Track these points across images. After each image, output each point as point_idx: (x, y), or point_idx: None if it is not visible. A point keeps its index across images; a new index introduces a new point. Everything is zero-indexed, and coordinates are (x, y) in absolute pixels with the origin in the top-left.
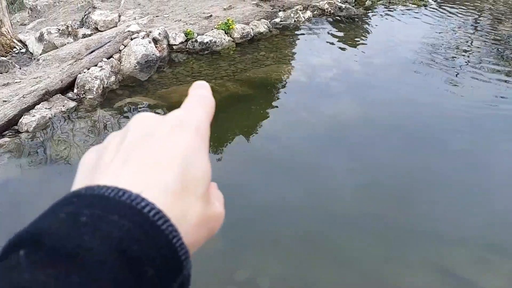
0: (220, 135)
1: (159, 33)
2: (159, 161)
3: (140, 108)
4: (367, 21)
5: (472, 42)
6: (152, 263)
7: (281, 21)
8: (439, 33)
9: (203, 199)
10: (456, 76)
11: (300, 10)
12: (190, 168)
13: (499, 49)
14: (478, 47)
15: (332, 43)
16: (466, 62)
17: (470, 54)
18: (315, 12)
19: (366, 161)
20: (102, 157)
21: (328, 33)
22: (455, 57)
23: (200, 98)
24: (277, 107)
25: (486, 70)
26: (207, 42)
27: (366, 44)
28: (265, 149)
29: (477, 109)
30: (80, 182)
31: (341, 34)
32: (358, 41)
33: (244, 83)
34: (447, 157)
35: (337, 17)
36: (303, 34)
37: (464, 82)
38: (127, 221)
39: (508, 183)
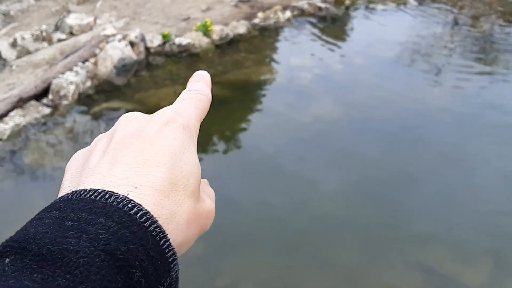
0: (200, 138)
1: (136, 36)
2: (146, 160)
3: (117, 113)
4: (347, 20)
5: (452, 39)
6: (139, 265)
7: (260, 22)
8: (420, 31)
9: (193, 197)
10: (438, 74)
11: (279, 11)
12: (178, 166)
13: (480, 46)
14: (459, 45)
15: (313, 44)
16: (448, 60)
17: (451, 52)
18: (295, 13)
19: (349, 162)
20: (89, 159)
21: (308, 33)
22: (436, 55)
23: (193, 94)
24: (258, 109)
25: (467, 68)
26: (185, 45)
27: (347, 43)
28: (246, 152)
29: (461, 107)
30: (67, 186)
31: (321, 34)
32: (339, 41)
33: (224, 86)
34: (431, 156)
35: (318, 17)
36: (283, 34)
37: (446, 80)
38: (114, 223)
39: (493, 181)
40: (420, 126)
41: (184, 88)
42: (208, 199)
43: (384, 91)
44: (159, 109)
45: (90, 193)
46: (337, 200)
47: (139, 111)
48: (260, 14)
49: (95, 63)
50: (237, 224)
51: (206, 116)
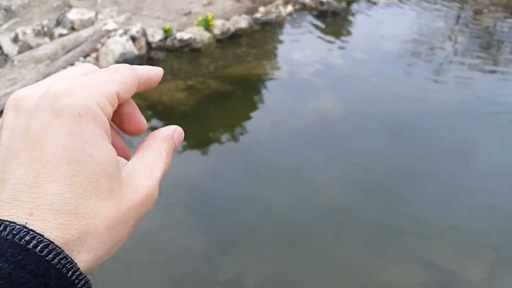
0: (201, 133)
1: (137, 30)
2: (37, 174)
3: None
4: (349, 15)
5: (455, 34)
6: None
7: (262, 16)
8: (422, 26)
9: (110, 197)
10: (440, 69)
11: (281, 5)
12: (80, 168)
13: (483, 41)
14: (461, 40)
15: (314, 38)
16: (449, 55)
17: (453, 46)
18: (296, 7)
19: (351, 157)
20: None
21: (310, 28)
22: (438, 50)
23: (109, 67)
24: (259, 103)
25: (470, 63)
26: (186, 39)
27: (348, 38)
28: (248, 146)
29: (463, 102)
30: None
31: (323, 29)
32: (341, 35)
33: (225, 80)
34: (434, 151)
35: (319, 12)
36: (285, 29)
37: (448, 75)
38: (7, 263)
39: (495, 176)
40: (422, 121)
41: (185, 82)
42: (141, 181)
43: (386, 87)
44: (160, 104)
45: None
46: (339, 195)
47: (140, 107)
48: (262, 9)
49: (97, 58)
50: (238, 219)
51: (206, 112)
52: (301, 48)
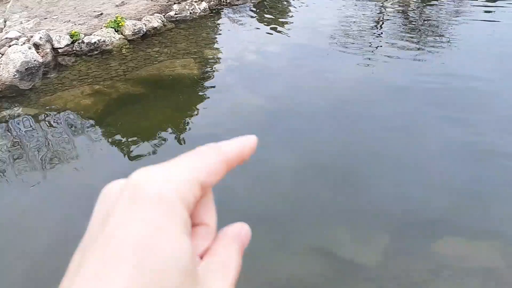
0: (110, 138)
1: (40, 37)
2: (105, 263)
3: (19, 119)
4: (265, 8)
5: (383, 20)
6: None
7: (176, 14)
8: (351, 12)
9: None
10: (372, 53)
11: (195, 2)
12: (148, 261)
13: (408, 23)
14: (390, 25)
15: (229, 34)
16: (379, 39)
17: (382, 31)
18: (211, 3)
19: (294, 146)
20: (76, 251)
21: (225, 23)
22: (368, 35)
23: (201, 148)
24: (172, 104)
25: (399, 46)
26: (95, 42)
27: (267, 30)
28: (160, 149)
29: (397, 84)
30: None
31: (238, 23)
32: (259, 28)
33: (135, 82)
34: (377, 134)
35: (235, 6)
36: (199, 26)
37: (380, 59)
38: None
39: (437, 153)
40: (364, 105)
41: (92, 87)
42: (220, 281)
43: (318, 75)
44: (65, 112)
45: None
46: (291, 183)
47: (44, 115)
48: (176, 6)
49: None
50: None
51: (115, 116)
52: (215, 44)
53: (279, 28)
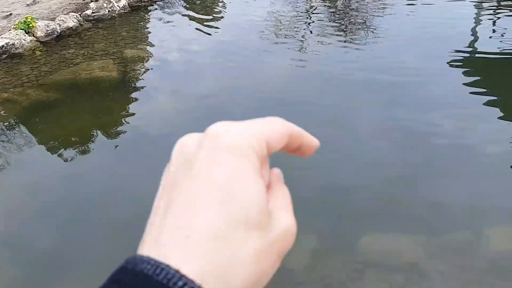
0: (24, 148)
1: None
2: (193, 201)
3: None
4: (193, 4)
5: (312, 14)
6: None
7: (93, 12)
8: (280, 7)
9: (257, 226)
10: (302, 47)
11: None
12: (232, 198)
13: (337, 18)
14: (318, 18)
15: (152, 32)
16: (308, 33)
17: (311, 25)
18: (130, 0)
19: None
20: (156, 197)
21: (147, 20)
22: (298, 30)
23: (267, 119)
24: (90, 110)
25: (328, 38)
26: (3, 46)
27: (190, 29)
28: (81, 157)
29: (327, 75)
30: (147, 225)
31: (161, 21)
32: (181, 26)
33: (49, 88)
34: (315, 124)
35: (159, 2)
36: (119, 24)
37: (310, 52)
38: None
39: (370, 136)
40: (293, 95)
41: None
42: (284, 216)
43: (253, 69)
44: None
45: (145, 266)
46: None
47: None
48: (93, 5)
49: None
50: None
51: (28, 125)
52: (135, 43)
53: (206, 25)
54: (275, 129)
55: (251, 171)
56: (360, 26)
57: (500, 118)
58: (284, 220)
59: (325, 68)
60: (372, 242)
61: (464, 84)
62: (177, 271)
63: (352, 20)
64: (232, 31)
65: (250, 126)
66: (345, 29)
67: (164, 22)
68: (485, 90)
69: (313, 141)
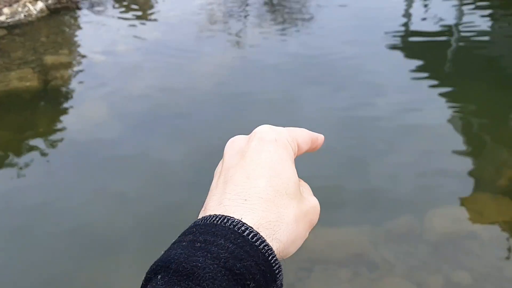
0: None
1: None
2: (248, 175)
3: None
4: (122, 2)
5: (246, 3)
6: (252, 277)
7: (7, 18)
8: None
9: (295, 198)
10: (239, 37)
11: (29, 2)
12: (277, 174)
13: (273, 8)
14: (254, 8)
15: (73, 35)
16: (245, 24)
17: (247, 16)
18: (49, 2)
19: (187, 133)
20: (213, 181)
21: (67, 24)
22: (234, 21)
23: (296, 128)
24: (10, 126)
25: (266, 28)
26: None
27: (118, 28)
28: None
29: (268, 63)
30: (207, 200)
31: (86, 22)
32: (108, 26)
33: None
34: (256, 113)
35: (77, 4)
36: (37, 30)
37: (248, 42)
38: (231, 244)
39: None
40: (237, 85)
41: None
42: (311, 197)
43: (181, 66)
44: None
45: (213, 218)
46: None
47: None
48: (6, 10)
49: None
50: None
51: None
52: (56, 49)
53: (136, 23)
54: (303, 134)
55: (289, 159)
56: (296, 16)
57: (439, 96)
58: (312, 199)
59: (264, 57)
60: (317, 237)
61: (402, 66)
62: (239, 220)
63: (287, 10)
64: (165, 28)
65: (286, 129)
66: (282, 19)
67: (89, 24)
68: (422, 71)
69: (322, 138)
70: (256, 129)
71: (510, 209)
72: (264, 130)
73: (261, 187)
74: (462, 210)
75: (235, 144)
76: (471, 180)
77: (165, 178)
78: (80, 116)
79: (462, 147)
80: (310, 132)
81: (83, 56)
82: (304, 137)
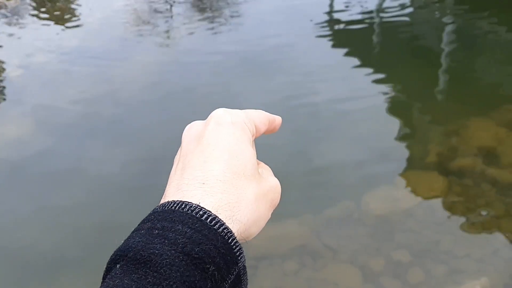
0: None
1: None
2: (206, 159)
3: None
4: (38, 8)
5: (173, 2)
6: (212, 261)
7: None
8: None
9: (254, 178)
10: (168, 34)
11: None
12: (235, 156)
13: (199, 3)
14: (179, 4)
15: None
16: (172, 20)
17: (174, 13)
18: None
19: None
20: (172, 168)
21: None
22: (161, 18)
23: (252, 110)
24: None
25: (194, 23)
26: None
27: (37, 35)
28: None
29: (201, 59)
30: (167, 187)
31: (13, 25)
32: (25, 36)
33: None
34: (193, 108)
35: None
36: None
37: (177, 38)
38: (189, 229)
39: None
40: (171, 83)
41: None
42: (271, 177)
43: (111, 70)
44: None
45: (171, 204)
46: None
47: None
48: None
49: None
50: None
51: None
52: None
53: (57, 29)
54: (260, 116)
55: (247, 140)
56: (224, 11)
57: (370, 81)
58: (272, 179)
59: (196, 52)
60: (260, 233)
61: (332, 52)
62: (197, 205)
63: (214, 4)
64: (89, 33)
65: (243, 112)
66: (209, 14)
67: (2, 35)
68: (352, 56)
69: (279, 120)
70: (212, 113)
71: (439, 184)
72: (220, 114)
73: (219, 169)
74: (397, 190)
75: (192, 130)
76: (404, 159)
77: (104, 188)
78: (2, 135)
79: (395, 128)
80: (267, 113)
81: (27, 58)
82: (261, 118)
